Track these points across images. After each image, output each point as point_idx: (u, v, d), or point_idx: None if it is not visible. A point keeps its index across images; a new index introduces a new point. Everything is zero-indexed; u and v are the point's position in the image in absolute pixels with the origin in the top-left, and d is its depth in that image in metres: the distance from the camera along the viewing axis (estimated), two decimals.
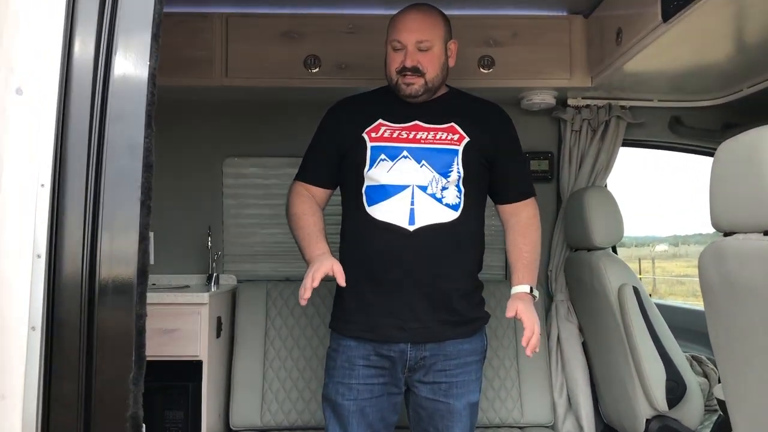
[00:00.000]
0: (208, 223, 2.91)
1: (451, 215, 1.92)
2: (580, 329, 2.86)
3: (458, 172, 1.94)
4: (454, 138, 1.96)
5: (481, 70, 2.63)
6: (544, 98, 2.75)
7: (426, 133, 1.96)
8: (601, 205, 2.57)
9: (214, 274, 2.83)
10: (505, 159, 2.05)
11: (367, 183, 1.92)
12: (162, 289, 2.75)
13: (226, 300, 2.79)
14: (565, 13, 2.67)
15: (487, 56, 2.63)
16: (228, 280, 2.94)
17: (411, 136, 1.95)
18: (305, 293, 1.78)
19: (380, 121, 1.96)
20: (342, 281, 1.81)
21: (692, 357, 2.90)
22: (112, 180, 1.13)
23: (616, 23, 2.32)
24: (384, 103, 2.01)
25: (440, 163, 1.93)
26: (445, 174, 1.93)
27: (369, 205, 1.91)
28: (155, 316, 2.49)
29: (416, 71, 1.91)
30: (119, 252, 1.13)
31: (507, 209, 2.08)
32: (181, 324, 2.41)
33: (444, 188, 1.92)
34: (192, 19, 2.58)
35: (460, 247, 1.95)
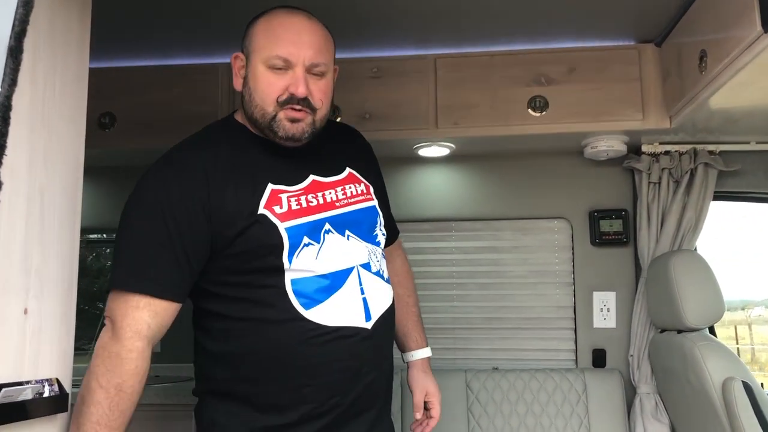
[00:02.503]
0: None
1: (391, 293, 1.47)
2: (673, 430, 2.27)
3: (383, 234, 1.50)
4: (363, 190, 1.47)
5: (532, 113, 2.19)
6: (612, 145, 2.28)
7: (333, 192, 1.40)
8: (692, 273, 2.04)
9: None
10: (383, 194, 1.59)
11: (291, 277, 1.31)
12: (167, 380, 2.38)
13: None
14: (632, 43, 2.22)
15: (539, 97, 2.20)
16: None
17: (320, 199, 1.37)
18: None
19: (271, 186, 1.33)
20: None
21: None
22: None
23: (697, 47, 1.85)
24: (256, 156, 1.38)
25: (365, 229, 1.43)
26: (373, 240, 1.45)
27: (306, 309, 1.30)
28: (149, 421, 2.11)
29: (307, 105, 1.34)
30: None
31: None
32: None
33: (381, 258, 1.46)
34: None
35: (393, 335, 1.54)
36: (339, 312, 1.32)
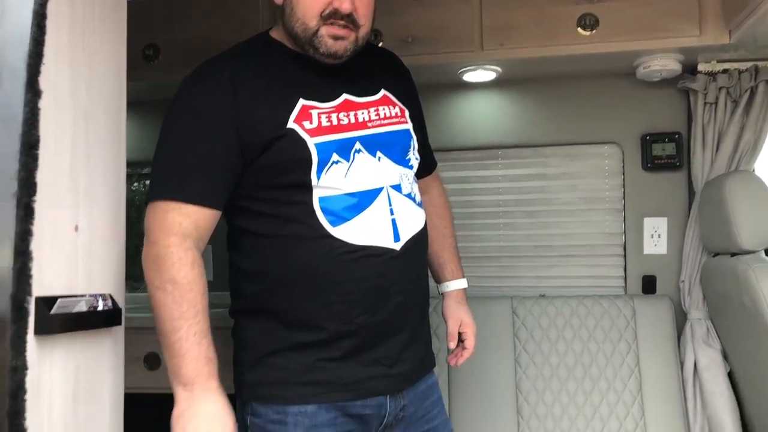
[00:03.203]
0: None
1: (423, 217, 1.47)
2: (725, 356, 2.24)
3: (416, 158, 1.48)
4: (397, 113, 1.45)
5: (582, 32, 2.10)
6: (666, 64, 2.18)
7: (366, 112, 1.37)
8: (747, 194, 1.96)
9: None
10: (419, 122, 1.56)
11: (318, 194, 1.31)
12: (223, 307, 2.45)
13: None
14: None
15: (588, 15, 2.10)
16: None
17: (352, 119, 1.35)
18: None
19: (303, 102, 1.32)
20: None
21: None
22: None
23: None
24: (289, 71, 1.37)
25: (398, 151, 1.42)
26: (406, 164, 1.43)
27: (334, 226, 1.31)
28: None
29: (351, 21, 1.31)
30: None
31: (419, 186, 1.53)
32: None
33: (413, 182, 1.45)
34: None
35: (425, 260, 1.54)
36: (366, 231, 1.32)
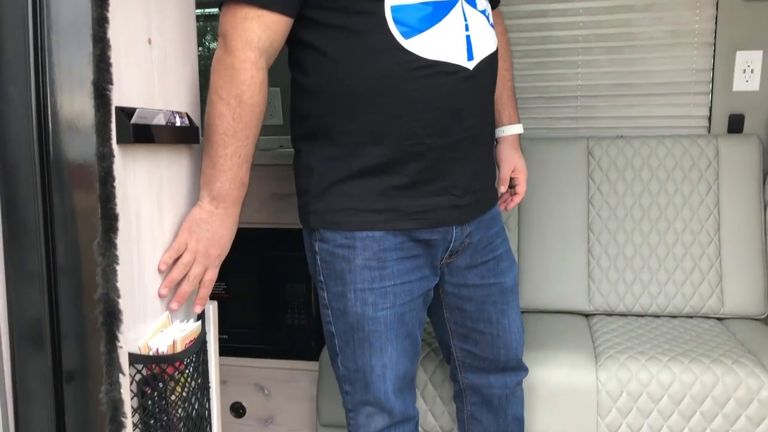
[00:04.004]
0: None
1: (495, 39, 1.38)
2: None
3: None
4: None
5: None
6: None
7: None
8: None
9: None
10: None
11: (391, 3, 1.22)
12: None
13: None
14: None
15: None
16: None
17: None
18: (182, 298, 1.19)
19: None
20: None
21: None
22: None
23: None
24: None
25: None
26: None
27: (406, 38, 1.22)
28: (269, 180, 2.25)
29: None
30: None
31: None
32: None
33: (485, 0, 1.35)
34: None
35: (495, 86, 1.46)
36: (440, 45, 1.25)
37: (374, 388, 1.41)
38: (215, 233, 1.23)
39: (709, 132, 2.34)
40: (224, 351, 1.99)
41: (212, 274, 1.24)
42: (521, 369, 1.63)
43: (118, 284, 0.78)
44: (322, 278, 1.41)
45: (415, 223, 1.36)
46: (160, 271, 1.11)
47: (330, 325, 1.43)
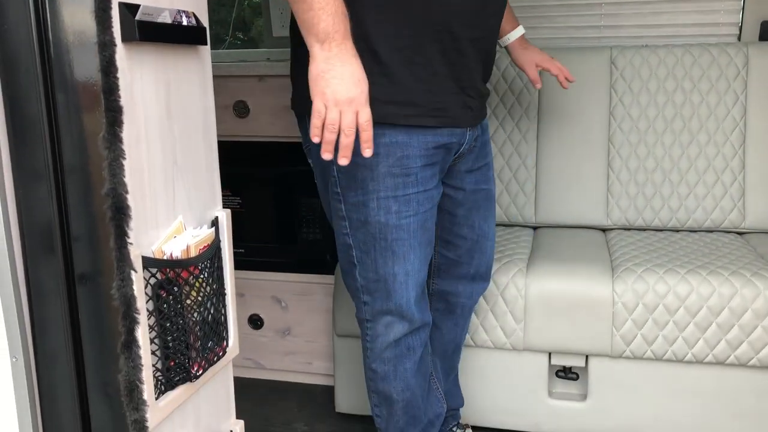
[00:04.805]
0: None
1: None
2: None
3: None
4: None
5: None
6: None
7: None
8: None
9: None
10: None
11: None
12: None
13: None
14: None
15: None
16: None
17: None
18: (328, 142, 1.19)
19: None
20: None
21: None
22: None
23: None
24: None
25: None
26: None
27: None
28: (282, 91, 2.20)
29: None
30: None
31: None
32: None
33: None
34: None
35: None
36: None
37: (397, 296, 1.42)
38: (343, 75, 1.18)
39: (739, 40, 2.24)
40: (241, 265, 2.01)
41: (365, 114, 1.20)
42: (486, 279, 1.68)
43: (126, 179, 0.76)
44: (339, 189, 1.39)
45: (434, 120, 1.35)
46: (314, 140, 1.14)
47: (347, 237, 1.42)
